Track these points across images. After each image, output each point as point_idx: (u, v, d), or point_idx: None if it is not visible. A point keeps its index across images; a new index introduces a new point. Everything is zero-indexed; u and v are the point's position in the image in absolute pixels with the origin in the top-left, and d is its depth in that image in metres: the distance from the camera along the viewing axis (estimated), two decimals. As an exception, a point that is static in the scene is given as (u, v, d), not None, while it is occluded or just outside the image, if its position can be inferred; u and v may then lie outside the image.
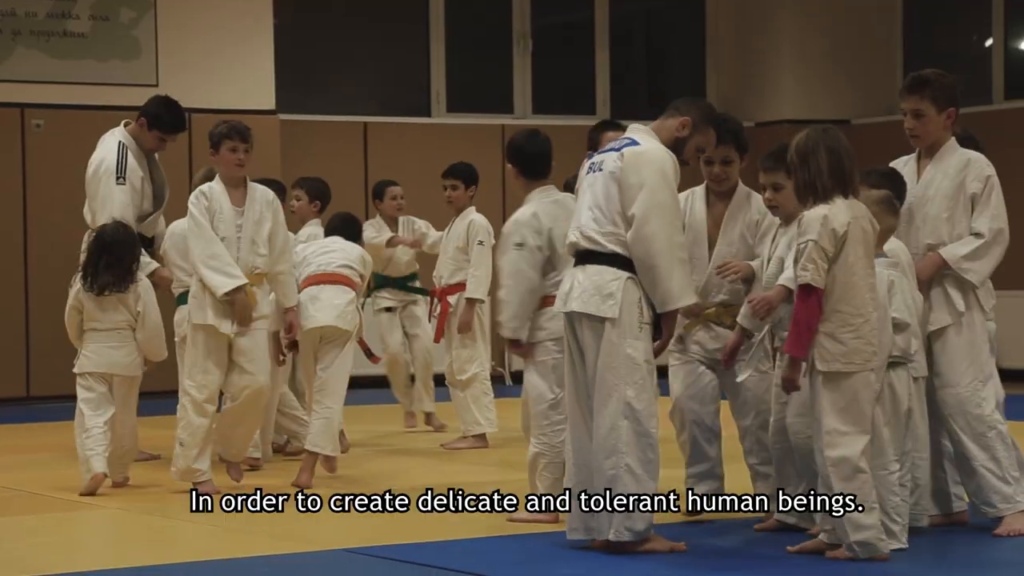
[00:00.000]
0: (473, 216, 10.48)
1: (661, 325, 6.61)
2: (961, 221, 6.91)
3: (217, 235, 8.30)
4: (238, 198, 8.43)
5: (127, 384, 8.52)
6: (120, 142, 9.71)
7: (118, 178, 9.59)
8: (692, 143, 6.78)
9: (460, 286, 10.40)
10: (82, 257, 8.84)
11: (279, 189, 10.59)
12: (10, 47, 13.84)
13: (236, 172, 8.47)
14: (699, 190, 7.33)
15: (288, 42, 15.11)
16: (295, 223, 10.31)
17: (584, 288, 6.58)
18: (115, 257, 8.50)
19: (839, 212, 6.33)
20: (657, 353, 6.66)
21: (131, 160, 9.65)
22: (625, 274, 6.53)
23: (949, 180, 6.92)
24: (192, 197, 8.45)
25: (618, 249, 6.55)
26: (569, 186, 7.83)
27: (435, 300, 10.64)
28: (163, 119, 9.81)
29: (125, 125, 9.86)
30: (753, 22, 16.98)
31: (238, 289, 8.23)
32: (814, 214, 6.34)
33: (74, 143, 10.61)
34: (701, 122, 6.79)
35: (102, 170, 9.62)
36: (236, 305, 8.25)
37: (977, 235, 6.88)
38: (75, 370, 8.53)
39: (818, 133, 6.48)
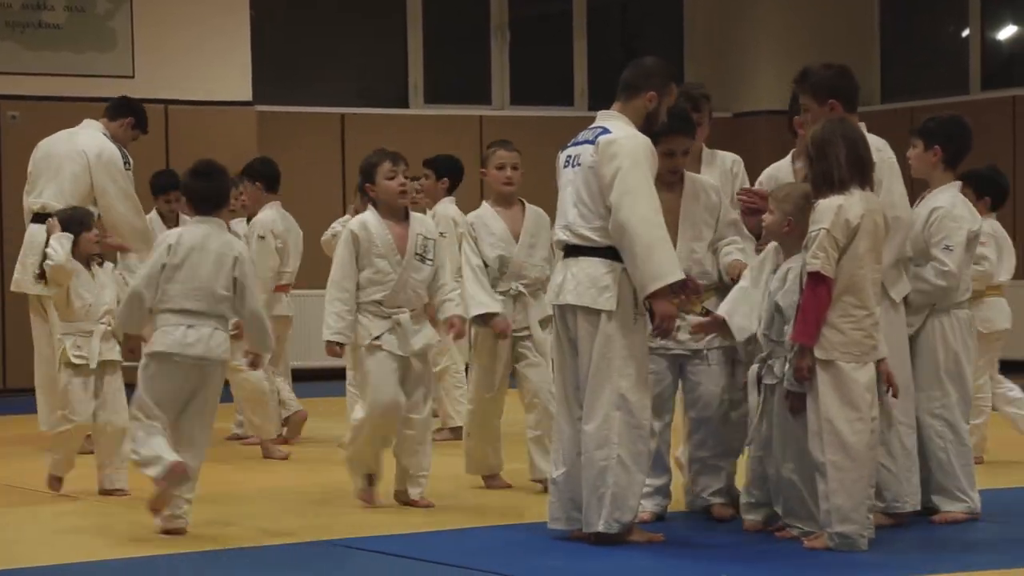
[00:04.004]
0: (438, 207, 10.40)
1: (653, 309, 6.50)
2: None
3: None
4: None
5: None
6: (104, 134, 10.21)
7: (125, 163, 10.15)
8: (663, 109, 6.75)
9: None
10: None
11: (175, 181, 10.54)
12: (-15, 38, 13.80)
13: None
14: None
15: (265, 33, 15.07)
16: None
17: (579, 281, 6.55)
18: None
19: (854, 203, 6.34)
20: (664, 335, 6.56)
21: (123, 149, 10.21)
22: (620, 265, 6.51)
23: None
24: None
25: (611, 242, 6.51)
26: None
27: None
28: (145, 120, 10.42)
29: (98, 119, 10.33)
30: (731, 11, 16.98)
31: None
32: (828, 203, 6.34)
33: (50, 134, 10.57)
34: (663, 87, 6.74)
35: (105, 157, 10.10)
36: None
37: None
38: None
39: (835, 124, 6.49)
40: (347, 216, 10.51)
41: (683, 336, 7.03)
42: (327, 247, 10.07)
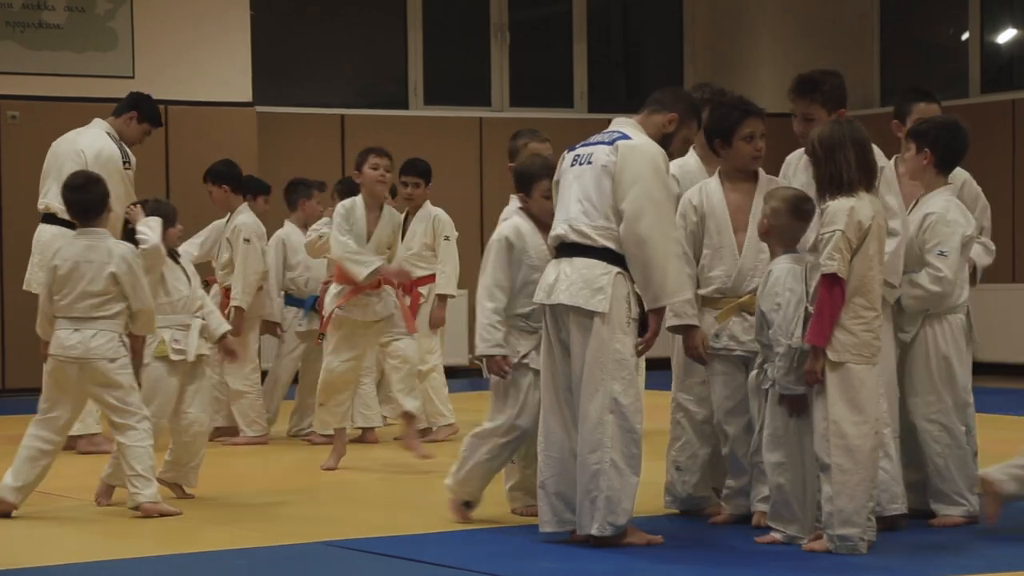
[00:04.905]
0: (437, 212, 10.46)
1: (648, 321, 6.55)
2: None
3: None
4: None
5: None
6: (108, 133, 10.16)
7: (124, 163, 10.08)
8: (679, 137, 6.77)
9: (427, 279, 10.37)
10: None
11: (261, 187, 10.69)
12: (-15, 38, 13.81)
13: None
14: (712, 180, 7.11)
15: (265, 34, 15.07)
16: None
17: (572, 281, 6.53)
18: None
19: (864, 205, 6.36)
20: (643, 350, 6.61)
21: (125, 148, 10.14)
22: (615, 269, 6.50)
23: None
24: None
25: (609, 244, 6.51)
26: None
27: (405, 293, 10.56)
28: (153, 113, 10.32)
29: (106, 118, 10.24)
30: (730, 14, 16.99)
31: None
32: (840, 205, 6.34)
33: (50, 135, 10.57)
34: (687, 116, 6.76)
35: (104, 156, 10.04)
36: None
37: None
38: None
39: (843, 126, 6.50)
40: (328, 219, 10.54)
41: (744, 337, 6.98)
42: (311, 249, 10.06)
